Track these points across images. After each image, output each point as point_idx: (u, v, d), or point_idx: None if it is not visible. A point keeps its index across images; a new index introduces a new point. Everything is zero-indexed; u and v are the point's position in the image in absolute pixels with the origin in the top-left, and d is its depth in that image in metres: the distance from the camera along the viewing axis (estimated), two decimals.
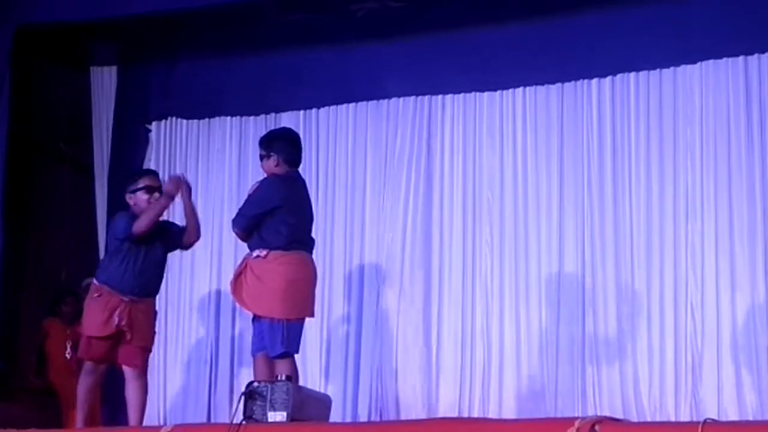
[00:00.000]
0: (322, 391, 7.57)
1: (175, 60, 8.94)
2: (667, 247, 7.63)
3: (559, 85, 8.05)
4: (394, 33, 8.30)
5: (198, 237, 7.19)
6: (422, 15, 8.19)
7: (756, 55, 7.57)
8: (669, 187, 7.70)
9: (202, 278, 8.58)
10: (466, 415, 7.77)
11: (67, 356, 8.33)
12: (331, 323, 8.30)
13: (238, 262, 6.91)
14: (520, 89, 8.15)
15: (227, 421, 6.18)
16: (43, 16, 8.33)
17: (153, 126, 9.03)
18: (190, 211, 7.09)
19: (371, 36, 8.35)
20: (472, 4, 8.05)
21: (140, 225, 6.85)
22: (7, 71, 8.29)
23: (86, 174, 9.04)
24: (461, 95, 8.29)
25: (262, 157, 6.87)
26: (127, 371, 6.91)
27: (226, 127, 8.86)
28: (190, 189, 7.12)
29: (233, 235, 6.99)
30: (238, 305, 7.15)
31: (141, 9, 8.13)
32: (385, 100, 8.45)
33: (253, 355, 6.80)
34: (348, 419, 7.92)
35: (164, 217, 7.17)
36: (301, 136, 8.39)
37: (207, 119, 8.91)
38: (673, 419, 7.26)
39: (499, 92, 8.20)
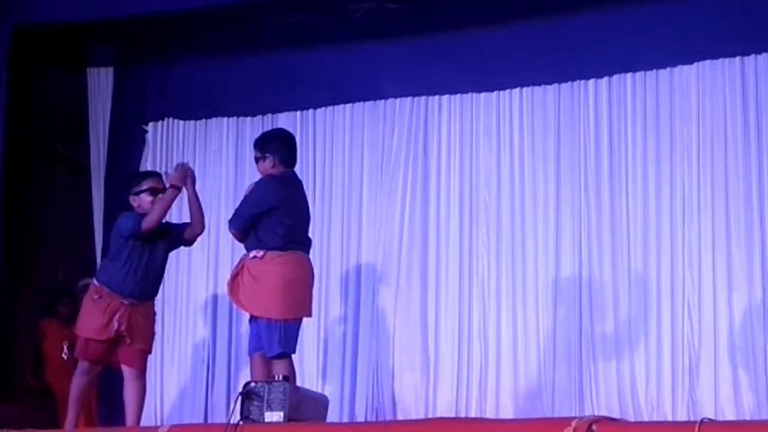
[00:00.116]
0: (319, 391, 7.57)
1: (172, 61, 8.94)
2: (664, 247, 7.63)
3: (556, 85, 8.05)
4: (392, 34, 8.31)
5: (203, 229, 7.15)
6: (420, 16, 8.20)
7: (753, 56, 7.58)
8: (666, 187, 7.70)
9: (199, 279, 8.58)
10: (463, 415, 7.77)
11: (64, 356, 8.32)
12: (328, 323, 8.30)
13: (235, 262, 6.91)
14: (517, 90, 8.16)
15: (224, 421, 6.18)
16: (40, 16, 8.33)
17: (150, 127, 9.03)
18: (195, 202, 7.02)
19: (369, 37, 8.36)
20: (470, 6, 8.06)
21: (150, 221, 6.81)
22: (4, 72, 8.29)
23: (83, 175, 9.04)
24: (458, 96, 8.30)
25: (257, 159, 6.87)
26: (126, 371, 6.90)
27: (223, 128, 8.86)
28: (194, 179, 7.05)
29: (230, 235, 6.99)
30: (235, 306, 7.14)
31: (138, 10, 8.14)
32: (383, 101, 8.46)
33: (250, 355, 6.80)
34: (345, 419, 7.92)
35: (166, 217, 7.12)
36: (298, 136, 8.43)
37: (204, 120, 8.91)
38: (670, 419, 7.26)
39: (496, 93, 8.21)
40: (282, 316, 6.59)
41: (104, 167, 8.99)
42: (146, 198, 6.92)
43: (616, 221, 7.79)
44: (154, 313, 7.08)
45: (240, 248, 6.91)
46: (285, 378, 6.24)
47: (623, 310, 7.67)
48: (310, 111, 8.65)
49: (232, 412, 6.12)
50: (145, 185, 6.97)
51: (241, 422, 5.96)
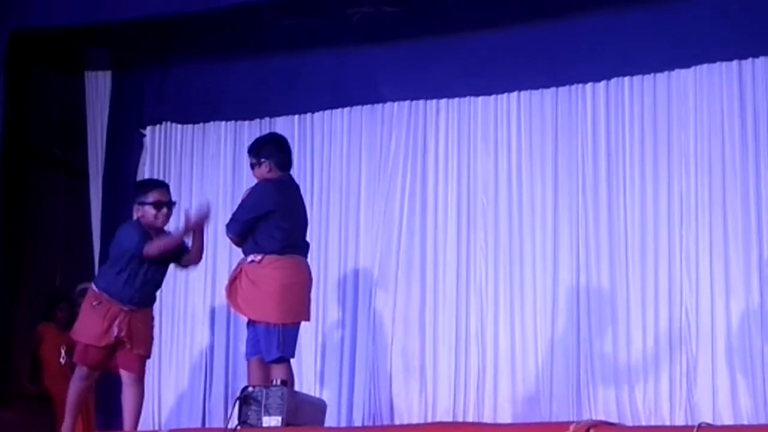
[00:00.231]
0: (317, 395, 7.57)
1: (169, 65, 8.93)
2: (662, 251, 7.63)
3: (553, 89, 8.05)
4: (390, 37, 8.31)
5: (199, 262, 7.12)
6: (417, 20, 8.20)
7: (750, 60, 7.58)
8: (663, 191, 7.70)
9: (196, 283, 8.56)
10: (461, 419, 7.75)
11: (62, 361, 8.31)
12: (325, 328, 8.30)
13: (233, 267, 6.90)
14: (515, 94, 8.15)
15: (222, 426, 6.18)
16: (37, 20, 8.33)
17: (147, 131, 9.02)
18: (201, 238, 6.95)
19: (366, 40, 8.35)
20: (467, 9, 8.06)
21: (152, 251, 6.76)
22: (1, 75, 8.29)
23: (81, 178, 9.03)
24: (456, 100, 8.29)
25: (253, 166, 6.87)
26: (125, 376, 6.88)
27: (220, 131, 8.85)
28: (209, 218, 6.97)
29: (228, 240, 6.98)
30: (233, 310, 7.14)
31: (136, 14, 8.13)
32: (380, 105, 8.45)
33: (248, 360, 6.80)
34: (343, 424, 7.91)
35: (169, 226, 7.08)
36: (296, 140, 8.46)
37: (202, 124, 8.90)
38: (667, 423, 7.27)
39: (493, 96, 8.21)
40: (280, 320, 6.60)
41: (102, 171, 8.98)
42: (150, 210, 6.85)
43: (614, 225, 7.78)
44: (153, 319, 7.07)
45: (238, 252, 6.91)
46: (283, 382, 6.24)
47: (621, 314, 7.66)
48: (308, 115, 8.65)
49: (230, 416, 6.13)
50: (151, 197, 6.87)
51: (238, 427, 5.97)
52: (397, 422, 7.84)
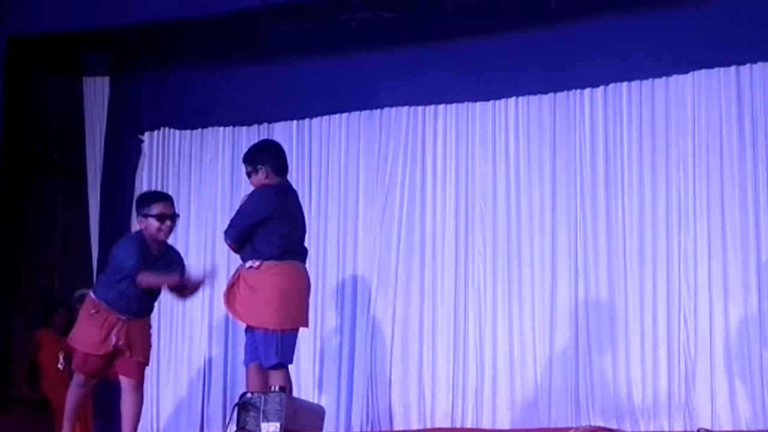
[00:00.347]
0: (316, 401, 7.56)
1: (167, 70, 8.93)
2: (660, 256, 7.64)
3: (551, 94, 8.06)
4: (387, 43, 8.31)
5: (181, 300, 7.12)
6: (415, 25, 8.20)
7: (748, 66, 7.59)
8: (661, 196, 7.71)
9: None
10: (459, 425, 7.77)
11: (60, 367, 8.30)
12: (324, 333, 8.29)
13: (231, 273, 6.90)
14: (513, 99, 8.16)
15: None
16: (36, 25, 8.33)
17: (146, 136, 9.02)
18: (194, 290, 6.93)
19: (364, 46, 8.36)
20: (465, 15, 8.07)
21: (144, 282, 6.74)
22: (0, 80, 8.28)
23: (79, 183, 9.03)
24: (454, 105, 8.30)
25: (249, 174, 6.84)
26: (125, 382, 6.87)
27: (218, 137, 8.85)
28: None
29: (226, 246, 6.97)
30: (231, 316, 7.13)
31: (134, 19, 8.14)
32: (378, 110, 8.45)
33: (246, 366, 6.79)
34: (341, 430, 7.93)
35: (171, 240, 7.06)
36: (294, 146, 8.48)
37: (200, 129, 8.90)
38: (666, 428, 7.28)
39: (491, 102, 8.21)
40: (279, 326, 6.59)
41: (100, 176, 8.98)
42: (153, 223, 6.81)
43: (612, 230, 7.79)
44: (150, 327, 7.06)
45: (236, 259, 6.90)
46: (281, 388, 6.23)
47: (619, 319, 7.67)
48: (306, 121, 8.65)
49: (228, 422, 6.12)
50: (155, 210, 6.83)
51: None
52: (395, 428, 7.83)
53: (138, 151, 8.99)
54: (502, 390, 7.81)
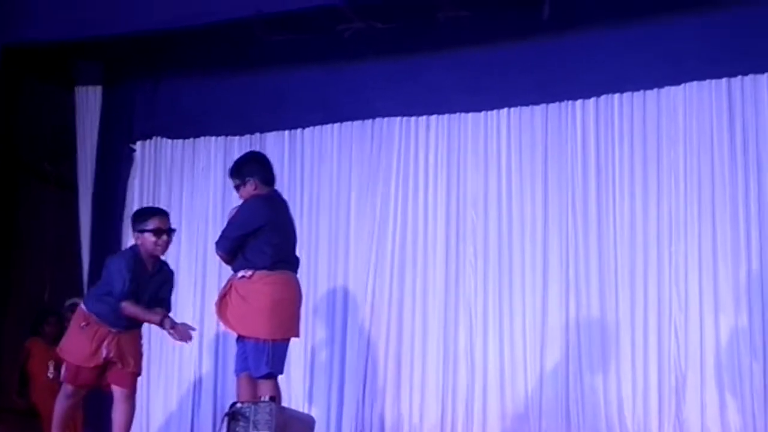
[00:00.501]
0: (306, 411, 7.55)
1: (160, 80, 8.94)
2: (651, 267, 7.64)
3: (543, 105, 8.07)
4: (380, 54, 8.33)
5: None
6: (408, 36, 8.22)
7: (739, 78, 7.61)
8: (653, 208, 7.72)
9: (185, 299, 8.52)
10: None
11: (50, 376, 8.30)
12: (315, 343, 8.29)
13: (223, 282, 6.89)
14: (505, 110, 8.17)
15: None
16: (28, 35, 8.34)
17: (138, 145, 9.03)
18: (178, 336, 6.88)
19: (357, 56, 8.37)
20: (458, 26, 8.08)
21: (129, 311, 6.75)
22: None
23: (71, 192, 9.02)
24: (446, 115, 8.31)
25: (238, 187, 6.82)
26: (117, 392, 6.87)
27: (210, 147, 8.85)
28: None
29: (217, 257, 6.95)
30: (222, 326, 7.13)
31: (126, 29, 8.15)
32: (370, 120, 8.47)
33: (237, 375, 6.78)
34: None
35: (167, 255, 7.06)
36: (287, 156, 8.49)
37: (192, 139, 8.91)
38: None
39: (483, 113, 8.22)
40: (270, 336, 6.58)
41: (92, 185, 8.98)
42: (150, 238, 6.82)
43: (604, 241, 7.80)
44: (141, 337, 7.06)
45: (227, 269, 6.89)
46: (271, 398, 6.22)
47: (610, 330, 7.67)
48: (299, 130, 8.66)
49: None
50: (150, 224, 6.85)
51: None
52: None
53: (130, 161, 8.99)
54: (493, 402, 7.81)
